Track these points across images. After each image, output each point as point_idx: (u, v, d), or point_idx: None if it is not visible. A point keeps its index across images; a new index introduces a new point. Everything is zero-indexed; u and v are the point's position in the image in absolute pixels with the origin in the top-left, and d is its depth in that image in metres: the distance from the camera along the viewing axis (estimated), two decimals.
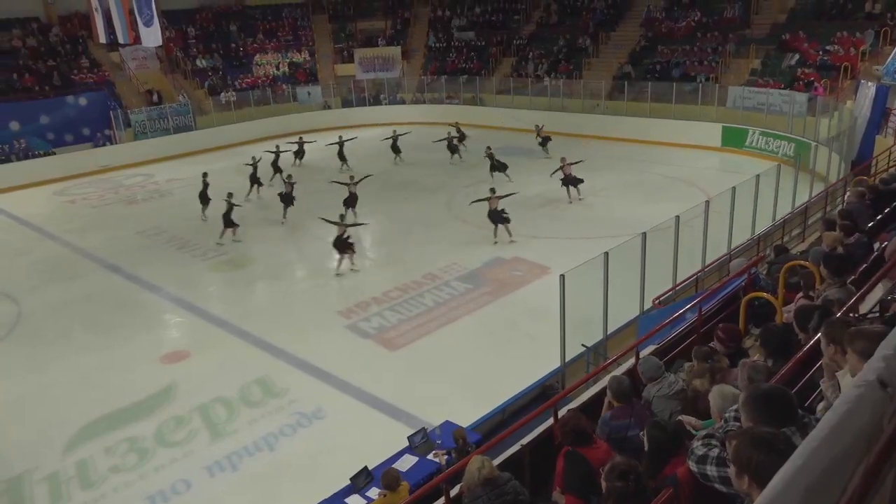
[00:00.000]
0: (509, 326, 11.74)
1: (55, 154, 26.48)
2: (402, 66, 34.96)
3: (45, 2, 31.70)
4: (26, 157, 25.83)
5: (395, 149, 24.55)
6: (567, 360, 9.66)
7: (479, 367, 10.47)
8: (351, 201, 17.64)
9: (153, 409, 9.88)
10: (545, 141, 23.94)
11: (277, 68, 34.66)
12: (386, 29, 37.17)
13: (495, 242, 15.43)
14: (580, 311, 9.70)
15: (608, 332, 10.16)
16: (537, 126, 24.65)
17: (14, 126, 26.17)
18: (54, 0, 31.62)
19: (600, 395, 5.74)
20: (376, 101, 34.13)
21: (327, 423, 9.32)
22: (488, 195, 15.81)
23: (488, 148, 21.32)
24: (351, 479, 7.00)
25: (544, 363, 9.87)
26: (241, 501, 7.95)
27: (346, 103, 34.15)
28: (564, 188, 18.43)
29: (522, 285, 13.36)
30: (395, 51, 35.07)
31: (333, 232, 14.71)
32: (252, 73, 34.07)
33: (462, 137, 24.77)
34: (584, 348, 9.74)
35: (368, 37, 36.39)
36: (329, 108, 33.69)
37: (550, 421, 5.68)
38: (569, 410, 5.47)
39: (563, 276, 9.27)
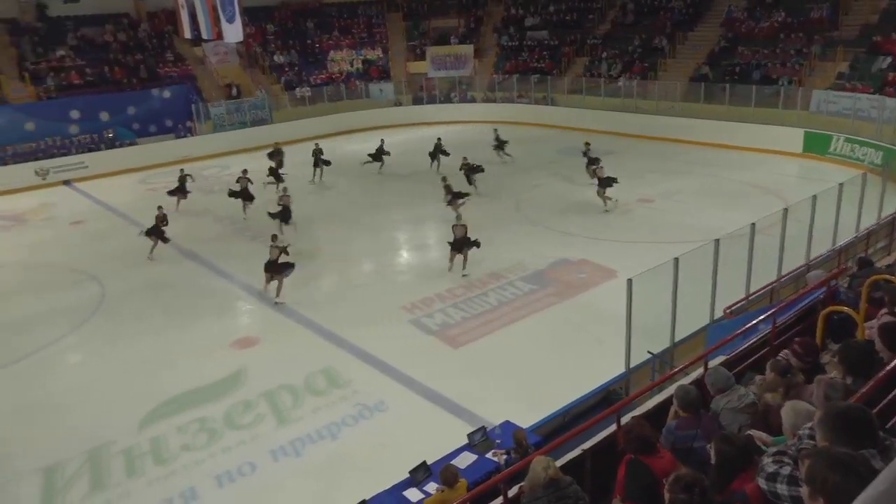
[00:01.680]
0: (573, 329, 11.62)
1: (139, 144, 27.82)
2: (474, 65, 35.00)
3: None
4: (112, 147, 27.23)
5: (437, 154, 23.70)
6: (632, 366, 9.51)
7: (541, 368, 10.41)
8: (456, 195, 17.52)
9: (223, 392, 10.24)
10: (501, 144, 23.73)
11: (351, 65, 35.29)
12: (459, 27, 37.29)
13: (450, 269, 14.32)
14: (647, 317, 9.52)
15: (675, 340, 9.94)
16: (495, 130, 24.86)
17: (104, 116, 27.67)
18: None
19: (665, 404, 5.63)
20: (447, 99, 34.30)
21: (388, 415, 9.45)
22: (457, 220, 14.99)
23: (464, 159, 20.18)
24: (410, 473, 7.09)
25: (608, 368, 9.74)
26: (303, 487, 8.15)
27: (417, 100, 34.46)
28: (600, 193, 17.78)
29: (588, 288, 13.20)
30: (468, 49, 35.13)
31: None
32: (327, 69, 34.80)
33: (501, 144, 24.06)
34: (650, 355, 9.56)
35: (441, 35, 36.58)
36: (400, 104, 34.07)
37: (613, 427, 5.61)
38: (633, 417, 5.38)
39: (630, 281, 9.13)
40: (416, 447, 7.88)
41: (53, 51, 29.44)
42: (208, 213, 19.77)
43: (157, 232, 15.91)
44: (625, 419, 5.49)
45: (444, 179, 17.83)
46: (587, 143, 21.18)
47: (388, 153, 23.58)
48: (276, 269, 13.23)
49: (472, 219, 17.86)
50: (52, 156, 25.89)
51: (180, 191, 20.03)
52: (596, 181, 18.00)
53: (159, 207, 16.37)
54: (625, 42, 31.80)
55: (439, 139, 24.09)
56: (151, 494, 8.15)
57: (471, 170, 20.07)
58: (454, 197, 17.23)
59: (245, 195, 18.84)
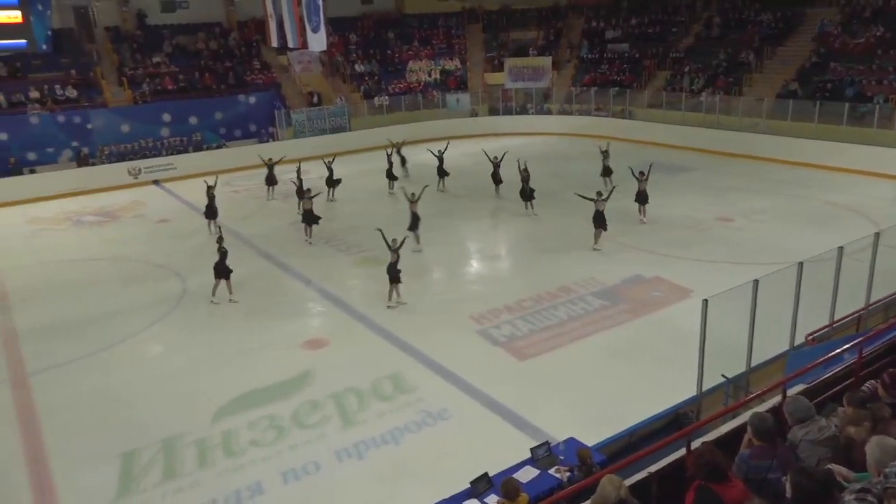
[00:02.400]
0: (644, 348, 11.34)
1: (225, 147, 29.01)
2: (552, 77, 34.82)
3: (227, 8, 34.70)
4: (200, 149, 28.50)
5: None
6: (704, 389, 9.19)
7: (609, 386, 10.21)
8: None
9: (292, 391, 10.49)
10: (607, 171, 22.66)
11: (429, 75, 35.71)
12: (538, 39, 37.21)
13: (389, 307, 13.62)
14: (722, 340, 9.19)
15: (752, 365, 9.55)
16: (396, 143, 24.82)
17: (193, 120, 29.09)
18: (235, 6, 34.52)
19: (739, 431, 5.41)
20: (523, 111, 34.26)
21: (452, 424, 9.46)
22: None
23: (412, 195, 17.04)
24: (471, 483, 7.05)
25: (679, 390, 9.45)
26: (365, 489, 8.24)
27: (493, 111, 34.56)
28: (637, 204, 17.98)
29: (662, 307, 12.87)
30: (546, 61, 34.99)
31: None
32: (405, 78, 35.34)
33: (606, 171, 22.59)
34: (724, 379, 9.23)
35: (520, 46, 36.58)
36: (476, 115, 34.23)
37: (682, 451, 5.43)
38: (703, 443, 5.19)
39: (706, 301, 8.84)
40: (478, 458, 7.85)
41: (150, 57, 31.09)
42: (285, 216, 20.36)
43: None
44: (695, 444, 5.30)
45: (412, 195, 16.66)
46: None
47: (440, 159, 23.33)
48: (224, 271, 14.01)
49: (543, 229, 17.79)
50: (144, 156, 27.37)
51: (209, 211, 19.70)
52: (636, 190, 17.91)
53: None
54: (709, 56, 30.96)
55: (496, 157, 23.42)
56: (220, 485, 8.41)
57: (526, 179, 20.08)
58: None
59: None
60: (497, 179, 21.37)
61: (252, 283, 15.21)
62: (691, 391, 9.26)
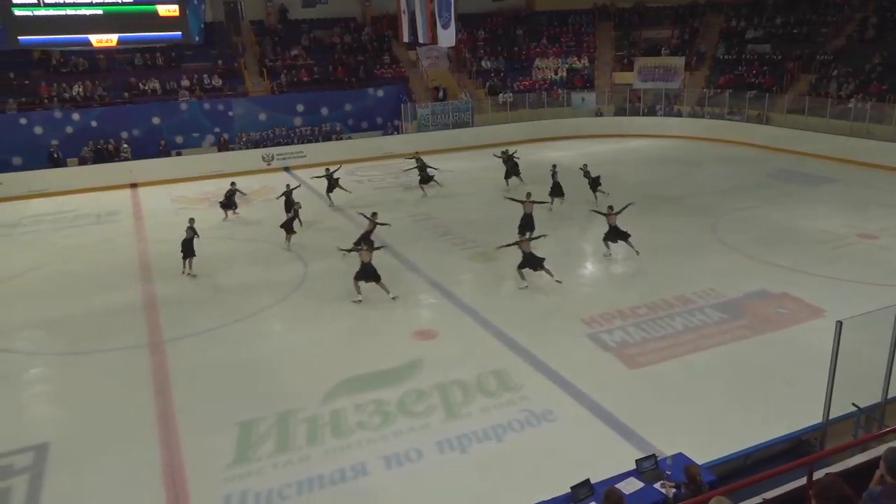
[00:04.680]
0: (765, 367, 10.70)
1: (352, 139, 30.15)
2: (684, 77, 33.46)
3: (362, 4, 35.93)
4: (328, 139, 29.77)
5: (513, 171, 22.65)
6: (830, 417, 8.54)
7: (724, 404, 9.72)
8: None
9: (400, 378, 10.75)
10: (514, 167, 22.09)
11: (556, 73, 35.32)
12: (672, 38, 35.85)
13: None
14: (856, 366, 8.49)
15: (888, 396, 8.78)
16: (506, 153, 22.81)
17: (324, 111, 30.45)
18: (371, 2, 35.68)
19: (870, 466, 5.01)
20: (651, 112, 33.17)
21: (555, 426, 9.35)
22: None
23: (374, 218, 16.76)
24: (572, 489, 6.95)
25: (801, 415, 8.85)
26: (465, 483, 8.31)
27: (620, 111, 33.70)
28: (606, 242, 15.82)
29: (788, 325, 12.09)
30: (679, 61, 33.66)
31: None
32: (531, 76, 35.15)
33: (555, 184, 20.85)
34: (854, 408, 8.54)
35: (652, 45, 35.40)
36: (601, 115, 33.52)
37: (803, 480, 5.10)
38: (828, 474, 4.85)
39: (839, 323, 8.20)
40: (580, 463, 7.71)
41: (289, 50, 32.77)
42: (402, 208, 20.85)
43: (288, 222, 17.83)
44: (818, 474, 4.96)
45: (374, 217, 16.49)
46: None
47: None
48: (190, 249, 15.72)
49: (663, 236, 17.16)
50: (278, 144, 28.96)
51: (227, 205, 20.72)
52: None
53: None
54: (862, 59, 28.63)
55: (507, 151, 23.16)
56: (327, 463, 8.76)
57: (594, 182, 19.61)
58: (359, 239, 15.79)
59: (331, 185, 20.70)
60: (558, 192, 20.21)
61: None
62: (816, 418, 8.64)
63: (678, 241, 16.90)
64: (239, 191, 21.41)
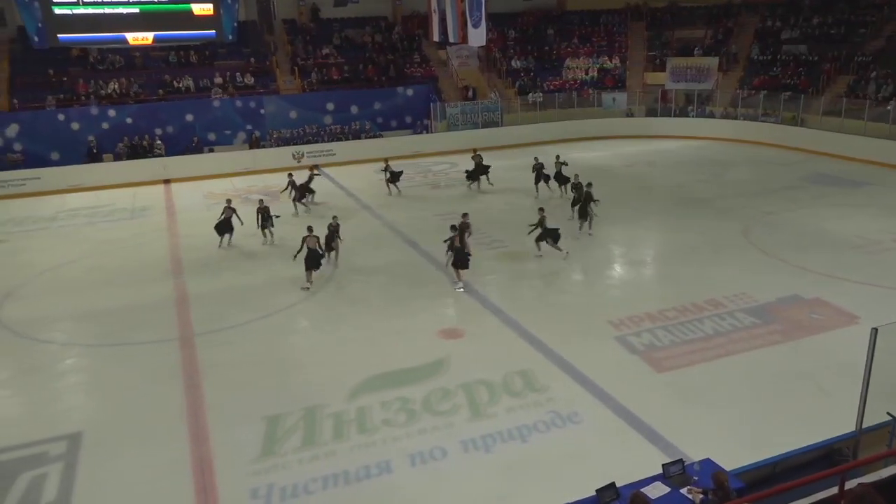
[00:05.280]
0: (797, 374, 10.52)
1: (381, 137, 30.28)
2: (717, 78, 33.00)
3: (393, 3, 36.07)
4: (358, 137, 29.96)
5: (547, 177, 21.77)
6: (864, 426, 8.36)
7: (753, 410, 9.57)
8: None
9: (425, 376, 10.78)
10: (394, 177, 22.42)
11: (586, 73, 35.10)
12: (705, 38, 35.38)
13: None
14: (891, 374, 8.30)
15: None
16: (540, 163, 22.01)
17: (353, 110, 30.63)
18: (402, 1, 35.81)
19: None
20: (683, 113, 32.79)
21: (581, 428, 9.30)
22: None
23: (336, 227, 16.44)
24: (597, 492, 6.91)
25: (833, 424, 8.67)
26: (488, 482, 8.30)
27: (651, 112, 33.36)
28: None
29: (821, 331, 11.87)
30: (712, 61, 33.21)
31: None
32: (561, 76, 34.97)
33: (540, 168, 21.54)
34: (890, 417, 8.35)
35: (685, 45, 34.97)
36: (631, 115, 33.24)
37: (834, 490, 5.01)
38: (860, 484, 4.75)
39: (875, 330, 8.02)
40: (606, 466, 7.67)
41: (320, 49, 33.03)
42: (429, 206, 20.88)
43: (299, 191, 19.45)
44: (850, 484, 4.87)
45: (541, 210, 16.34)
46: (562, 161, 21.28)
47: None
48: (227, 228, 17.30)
49: (693, 239, 16.96)
50: (308, 142, 29.24)
51: (301, 188, 21.14)
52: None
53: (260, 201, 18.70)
54: None
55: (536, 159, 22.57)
56: (352, 459, 8.82)
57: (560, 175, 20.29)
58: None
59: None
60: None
61: (396, 270, 15.76)
62: (849, 426, 8.46)
63: (709, 243, 16.69)
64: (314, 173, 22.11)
